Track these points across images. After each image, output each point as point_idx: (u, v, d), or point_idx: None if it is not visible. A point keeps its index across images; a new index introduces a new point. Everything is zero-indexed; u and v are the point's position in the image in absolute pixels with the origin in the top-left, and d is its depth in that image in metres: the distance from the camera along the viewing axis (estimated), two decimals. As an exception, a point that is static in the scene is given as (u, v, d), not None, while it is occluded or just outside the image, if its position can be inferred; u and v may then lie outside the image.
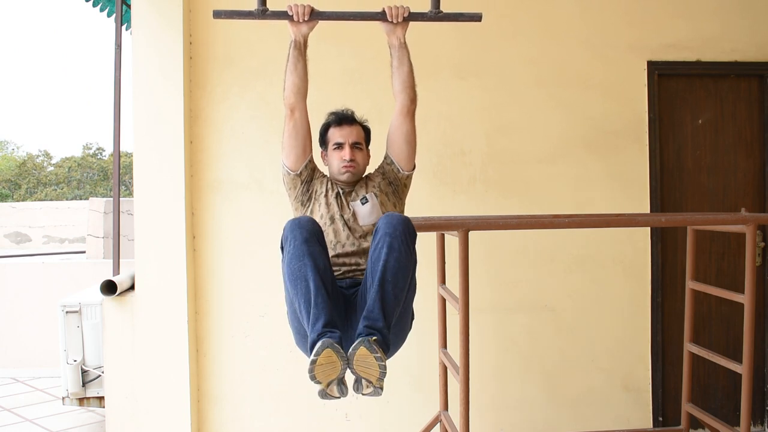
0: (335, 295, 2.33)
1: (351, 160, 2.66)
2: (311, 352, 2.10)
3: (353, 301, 2.48)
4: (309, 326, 2.20)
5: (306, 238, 2.25)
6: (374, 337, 2.14)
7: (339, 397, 2.15)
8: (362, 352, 2.09)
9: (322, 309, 2.19)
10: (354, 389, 2.14)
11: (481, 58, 4.04)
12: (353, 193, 2.68)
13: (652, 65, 4.11)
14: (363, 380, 2.12)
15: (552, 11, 4.08)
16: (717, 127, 4.26)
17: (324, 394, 2.13)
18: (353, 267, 2.58)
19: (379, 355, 2.10)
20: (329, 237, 2.59)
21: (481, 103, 4.04)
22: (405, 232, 2.29)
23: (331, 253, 2.56)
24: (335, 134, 2.70)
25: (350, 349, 2.11)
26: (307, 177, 2.69)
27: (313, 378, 2.08)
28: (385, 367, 2.11)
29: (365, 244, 2.59)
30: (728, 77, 4.24)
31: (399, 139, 2.68)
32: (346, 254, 2.59)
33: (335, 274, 2.52)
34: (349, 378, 2.17)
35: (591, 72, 4.09)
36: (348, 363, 2.10)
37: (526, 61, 4.06)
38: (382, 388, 2.14)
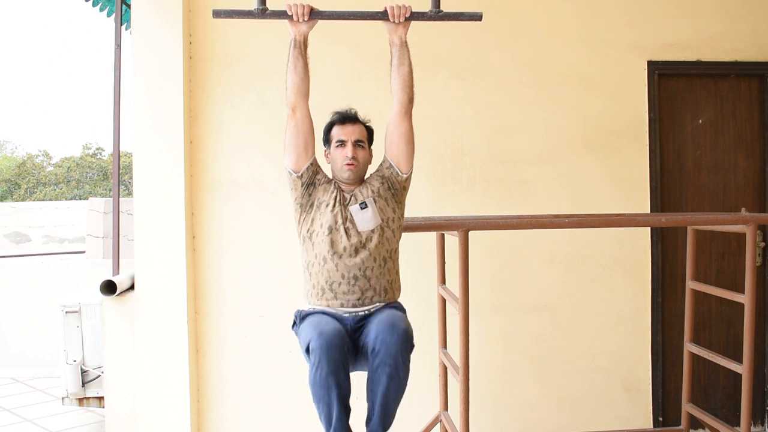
0: (347, 348, 2.47)
1: (353, 158, 2.68)
2: None
3: (359, 340, 2.57)
4: None
5: (333, 370, 2.38)
6: None
7: None
8: None
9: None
10: None
11: (481, 58, 4.04)
12: (352, 199, 2.68)
13: (652, 65, 4.11)
14: None
15: (552, 11, 4.08)
16: (717, 127, 4.26)
17: None
18: (353, 289, 2.61)
19: None
20: (327, 246, 2.61)
21: (481, 103, 4.04)
22: (404, 356, 2.43)
23: (329, 263, 2.61)
24: (338, 132, 2.72)
25: None
26: (308, 180, 2.68)
27: None
28: None
29: (364, 253, 2.61)
30: (728, 77, 4.24)
31: (398, 140, 2.69)
32: (345, 264, 2.60)
33: (338, 305, 2.63)
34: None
35: (591, 72, 4.09)
36: None
37: (526, 60, 4.06)
38: None
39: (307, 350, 2.44)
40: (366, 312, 2.62)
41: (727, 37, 4.16)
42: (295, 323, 2.71)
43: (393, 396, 2.44)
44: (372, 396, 2.45)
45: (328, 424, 2.42)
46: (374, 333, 2.43)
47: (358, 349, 2.58)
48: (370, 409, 2.47)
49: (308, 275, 2.68)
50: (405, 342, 2.42)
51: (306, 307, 2.71)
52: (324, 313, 2.62)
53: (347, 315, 2.61)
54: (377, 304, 2.64)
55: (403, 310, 2.69)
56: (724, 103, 4.26)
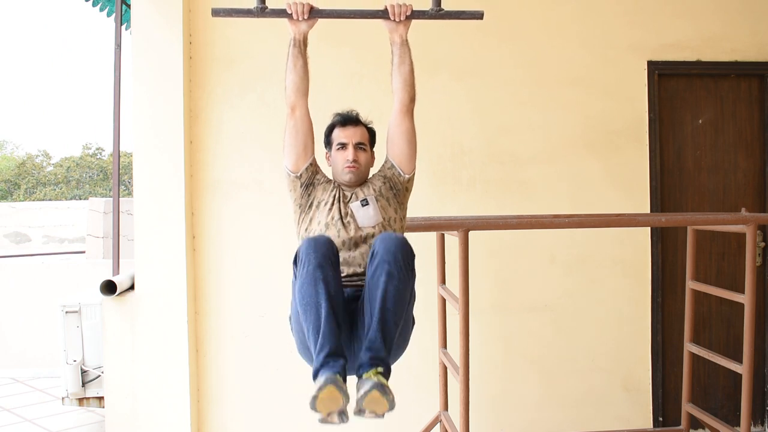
0: (343, 316, 2.34)
1: (354, 161, 2.63)
2: (314, 381, 2.15)
3: (355, 313, 2.48)
4: (314, 351, 2.23)
5: (320, 263, 2.25)
6: (379, 369, 2.19)
7: (338, 424, 2.18)
8: (374, 396, 2.12)
9: (328, 338, 2.21)
10: (357, 415, 2.18)
11: (481, 58, 4.04)
12: (353, 196, 2.64)
13: (652, 65, 4.11)
14: (367, 411, 2.15)
15: (552, 11, 4.08)
16: (717, 127, 4.26)
17: (324, 421, 2.17)
18: (353, 275, 2.55)
19: (391, 396, 2.13)
20: None
21: (481, 103, 4.04)
22: (404, 256, 2.29)
23: None
24: (339, 135, 2.68)
25: (361, 391, 2.14)
26: (307, 180, 2.65)
27: (314, 409, 2.12)
28: (394, 404, 2.14)
29: (364, 247, 2.57)
30: (728, 77, 4.24)
31: (399, 139, 2.65)
32: (345, 262, 2.56)
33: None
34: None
35: (591, 72, 4.09)
36: (358, 403, 2.14)
37: (526, 61, 4.06)
38: (384, 415, 2.18)
39: (295, 262, 2.32)
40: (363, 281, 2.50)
41: (727, 37, 4.16)
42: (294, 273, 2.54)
43: (393, 299, 2.24)
44: (371, 304, 2.26)
45: (316, 329, 2.22)
46: (374, 245, 2.33)
47: (355, 324, 2.45)
48: (369, 320, 2.27)
49: None
50: (405, 245, 2.29)
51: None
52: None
53: (347, 288, 2.50)
54: None
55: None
56: (724, 103, 4.26)
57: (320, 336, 2.21)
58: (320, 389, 2.10)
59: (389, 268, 2.25)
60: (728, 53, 4.16)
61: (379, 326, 2.24)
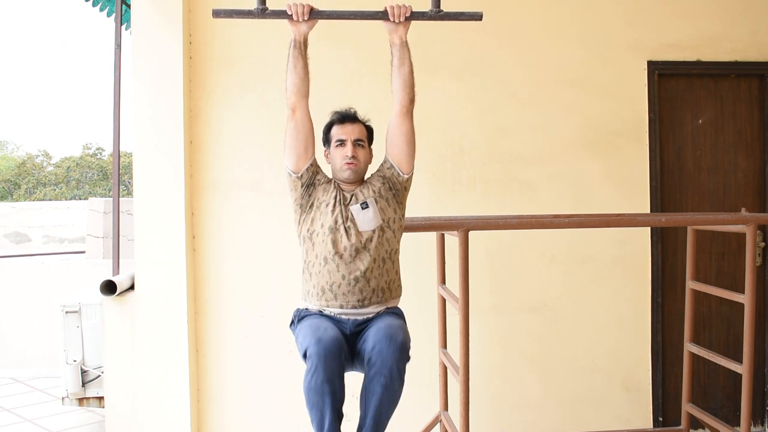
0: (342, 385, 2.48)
1: (353, 157, 2.67)
2: None
3: (357, 346, 2.58)
4: None
5: (329, 378, 2.38)
6: None
7: None
8: None
9: None
10: None
11: (481, 58, 4.04)
12: (353, 198, 2.67)
13: (652, 65, 4.11)
14: None
15: (552, 11, 4.08)
16: (717, 127, 4.26)
17: None
18: (353, 290, 2.59)
19: None
20: (328, 247, 2.59)
21: (481, 103, 4.04)
22: (399, 368, 2.43)
23: (330, 263, 2.59)
24: (338, 132, 2.72)
25: None
26: (308, 181, 2.67)
27: None
28: None
29: (364, 253, 2.60)
30: (728, 77, 4.24)
31: (398, 139, 2.68)
32: (346, 264, 2.59)
33: (337, 306, 2.62)
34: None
35: (591, 72, 4.09)
36: None
37: (525, 61, 4.06)
38: None
39: (305, 356, 2.45)
40: (365, 317, 2.62)
41: (727, 37, 4.16)
42: (293, 322, 2.71)
43: (386, 406, 2.45)
44: (365, 405, 2.46)
45: (318, 427, 2.44)
46: (372, 343, 2.44)
47: (355, 353, 2.59)
48: (363, 417, 2.48)
49: (308, 275, 2.67)
50: (401, 354, 2.43)
51: (304, 306, 2.71)
52: (322, 314, 2.62)
53: (346, 319, 2.61)
54: (376, 305, 2.63)
55: (403, 318, 2.69)
56: (724, 103, 4.26)
57: None
58: None
59: (385, 382, 2.41)
60: (728, 53, 4.16)
61: (372, 427, 2.47)
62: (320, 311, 2.64)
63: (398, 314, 2.68)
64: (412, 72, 2.62)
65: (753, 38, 4.17)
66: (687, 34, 4.13)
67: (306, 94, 2.61)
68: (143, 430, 3.85)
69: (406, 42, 2.61)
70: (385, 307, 2.67)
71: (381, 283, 2.63)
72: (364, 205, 2.64)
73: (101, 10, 5.02)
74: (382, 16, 2.56)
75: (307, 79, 2.60)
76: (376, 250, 2.62)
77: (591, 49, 4.09)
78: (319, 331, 2.43)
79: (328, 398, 2.37)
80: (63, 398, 4.44)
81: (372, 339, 2.45)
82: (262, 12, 2.53)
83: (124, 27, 4.68)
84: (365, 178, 2.77)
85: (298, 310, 2.71)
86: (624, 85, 4.10)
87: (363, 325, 2.60)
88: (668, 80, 4.19)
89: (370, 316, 2.62)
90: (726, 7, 4.15)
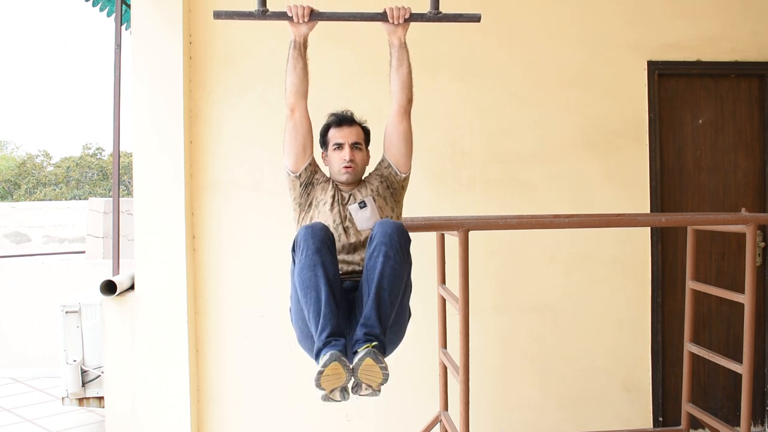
0: (342, 303, 2.41)
1: (350, 161, 2.67)
2: (318, 361, 2.23)
3: (354, 302, 2.53)
4: (316, 334, 2.30)
5: (318, 248, 2.33)
6: (374, 343, 2.26)
7: (340, 401, 2.27)
8: (368, 363, 2.21)
9: (329, 319, 2.29)
10: (353, 391, 2.26)
11: (482, 58, 4.04)
12: (351, 198, 2.68)
13: (652, 65, 4.11)
14: (364, 384, 2.23)
15: (552, 11, 4.08)
16: (717, 127, 4.26)
17: (326, 398, 2.25)
18: (352, 272, 2.59)
19: (383, 364, 2.22)
20: None
21: (481, 103, 4.04)
22: (400, 240, 2.37)
23: None
24: (335, 135, 2.72)
25: (356, 359, 2.22)
26: (307, 180, 2.69)
27: (318, 386, 2.20)
28: (388, 375, 2.23)
29: (363, 250, 2.60)
30: (728, 77, 4.24)
31: (397, 139, 2.69)
32: (345, 261, 2.60)
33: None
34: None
35: (591, 72, 4.09)
36: (353, 373, 2.21)
37: (526, 61, 4.06)
38: (380, 391, 2.27)
39: (293, 249, 2.39)
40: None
41: (727, 37, 4.16)
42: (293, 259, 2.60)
43: (389, 279, 2.32)
44: (368, 284, 2.35)
45: (316, 311, 2.29)
46: (373, 230, 2.41)
47: (353, 314, 2.50)
48: (365, 299, 2.35)
49: None
50: (400, 230, 2.38)
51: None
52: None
53: (346, 281, 2.56)
54: None
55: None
56: (724, 103, 4.26)
57: (321, 318, 2.29)
58: (325, 366, 2.18)
59: (386, 250, 2.33)
60: (728, 53, 4.16)
61: (374, 304, 2.31)
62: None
63: None
64: (410, 73, 2.64)
65: (753, 38, 4.17)
66: (687, 34, 4.13)
67: (305, 95, 2.62)
68: (143, 430, 3.85)
69: (405, 43, 2.62)
70: None
71: None
72: (362, 204, 2.65)
73: (101, 10, 5.02)
74: (382, 17, 2.58)
75: (306, 80, 2.61)
76: None
77: (591, 49, 4.09)
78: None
79: (320, 270, 2.29)
80: (63, 398, 4.44)
81: (373, 230, 2.41)
82: (263, 13, 2.55)
83: (124, 27, 4.68)
84: (363, 178, 2.77)
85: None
86: (624, 85, 4.10)
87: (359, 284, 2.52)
88: (668, 80, 4.19)
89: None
90: (726, 7, 4.15)
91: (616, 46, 4.10)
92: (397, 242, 2.35)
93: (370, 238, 2.40)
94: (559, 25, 4.08)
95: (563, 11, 4.09)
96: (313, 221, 2.64)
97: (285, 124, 2.65)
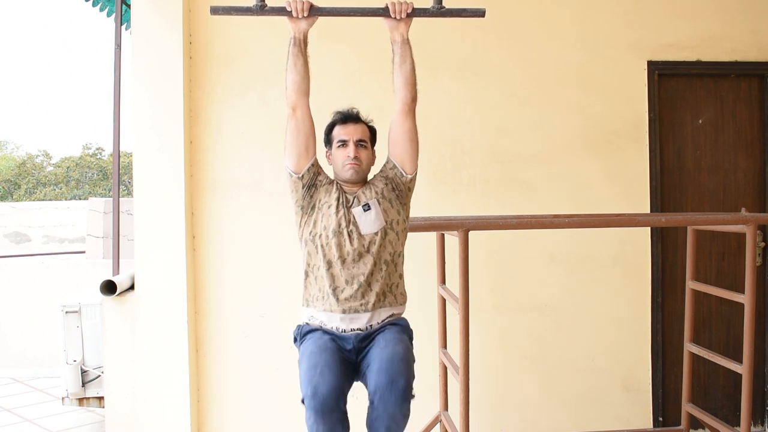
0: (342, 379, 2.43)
1: (355, 157, 2.61)
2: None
3: (360, 365, 2.55)
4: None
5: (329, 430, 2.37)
6: None
7: None
8: None
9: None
10: None
11: (482, 57, 4.04)
12: (355, 200, 2.61)
13: (652, 65, 4.11)
14: None
15: (552, 11, 4.08)
16: (717, 127, 4.26)
17: None
18: (356, 294, 2.54)
19: None
20: (332, 250, 2.54)
21: (482, 103, 4.04)
22: (403, 412, 2.39)
23: (334, 267, 2.55)
24: (340, 132, 2.66)
25: None
26: (309, 182, 2.62)
27: None
28: None
29: (367, 257, 2.55)
30: (728, 77, 4.24)
31: (401, 138, 2.62)
32: (349, 269, 2.55)
33: (339, 312, 2.55)
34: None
35: (591, 72, 4.09)
36: None
37: (526, 60, 4.06)
38: None
39: (303, 401, 2.41)
40: (368, 331, 2.54)
41: (727, 37, 4.15)
42: (296, 339, 2.66)
43: None
44: None
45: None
46: (373, 383, 2.37)
47: (358, 371, 2.54)
48: None
49: (312, 279, 2.61)
50: (404, 400, 2.36)
51: (305, 317, 2.64)
52: (324, 332, 2.55)
53: (348, 335, 2.54)
54: (379, 310, 2.56)
55: (408, 333, 2.63)
56: (724, 103, 4.26)
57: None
58: None
59: (388, 423, 2.39)
60: (728, 53, 4.16)
61: None
62: (321, 327, 2.57)
63: (403, 328, 2.60)
64: (413, 69, 2.58)
65: (753, 38, 4.17)
66: (687, 34, 4.13)
67: (306, 93, 2.56)
68: (143, 430, 3.85)
69: (408, 39, 2.56)
70: (389, 313, 2.59)
71: (383, 287, 2.57)
72: (366, 207, 2.58)
73: (101, 10, 5.02)
74: (383, 12, 2.51)
75: (307, 77, 2.56)
76: (379, 252, 2.56)
77: (591, 49, 4.09)
78: (316, 375, 2.34)
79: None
80: (63, 398, 4.44)
81: (374, 375, 2.38)
82: (261, 9, 2.49)
83: (124, 27, 4.68)
84: (368, 180, 2.71)
85: (299, 327, 2.65)
86: (624, 85, 4.10)
87: (366, 341, 2.54)
88: (668, 80, 4.19)
89: (373, 328, 2.55)
90: (726, 7, 4.15)
91: (616, 46, 4.10)
92: (399, 416, 2.38)
93: (372, 402, 2.39)
94: (559, 25, 4.08)
95: (563, 11, 4.09)
96: (318, 232, 2.59)
97: (286, 123, 2.59)
